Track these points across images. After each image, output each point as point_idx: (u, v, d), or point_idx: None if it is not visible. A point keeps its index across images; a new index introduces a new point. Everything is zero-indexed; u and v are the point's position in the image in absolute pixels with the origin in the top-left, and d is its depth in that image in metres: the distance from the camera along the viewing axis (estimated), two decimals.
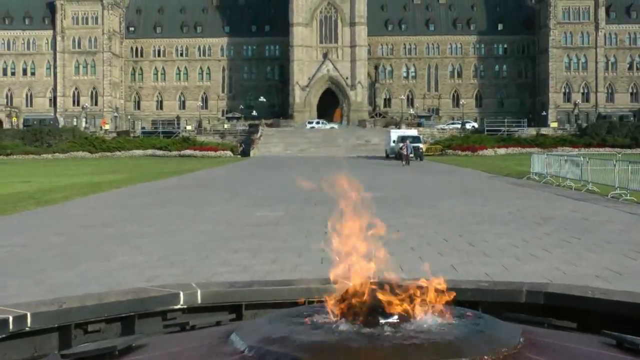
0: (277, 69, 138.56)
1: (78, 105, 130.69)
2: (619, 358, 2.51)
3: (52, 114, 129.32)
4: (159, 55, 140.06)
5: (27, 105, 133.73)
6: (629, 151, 75.04)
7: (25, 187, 33.50)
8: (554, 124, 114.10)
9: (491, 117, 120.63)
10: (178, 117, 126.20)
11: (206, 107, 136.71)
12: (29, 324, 3.08)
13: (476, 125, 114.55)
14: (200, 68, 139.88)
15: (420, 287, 2.70)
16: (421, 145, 71.24)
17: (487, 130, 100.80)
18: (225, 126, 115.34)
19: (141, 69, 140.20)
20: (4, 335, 3.00)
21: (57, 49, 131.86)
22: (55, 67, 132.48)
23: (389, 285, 2.68)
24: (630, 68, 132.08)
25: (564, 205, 23.18)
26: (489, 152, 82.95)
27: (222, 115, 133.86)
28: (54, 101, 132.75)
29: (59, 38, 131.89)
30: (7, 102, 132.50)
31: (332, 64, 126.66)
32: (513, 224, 17.87)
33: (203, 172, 50.65)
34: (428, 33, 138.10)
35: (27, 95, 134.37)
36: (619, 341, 2.59)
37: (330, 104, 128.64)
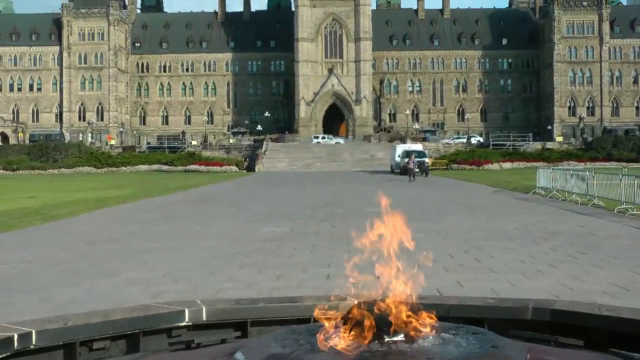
0: (282, 84, 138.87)
1: (84, 120, 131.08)
2: None
3: (58, 130, 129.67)
4: (164, 70, 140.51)
5: (33, 121, 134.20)
6: (635, 165, 74.74)
7: (30, 202, 33.55)
8: (560, 138, 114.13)
9: (496, 131, 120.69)
10: (183, 132, 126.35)
11: (212, 122, 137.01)
12: (33, 342, 3.07)
13: (481, 139, 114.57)
14: (206, 83, 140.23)
15: (424, 305, 2.69)
16: (426, 160, 71.13)
17: (493, 145, 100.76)
18: (231, 141, 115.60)
19: (147, 84, 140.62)
20: (8, 353, 2.99)
21: (64, 64, 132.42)
22: (61, 83, 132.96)
23: (395, 303, 2.67)
24: (635, 82, 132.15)
25: (570, 220, 23.11)
26: (495, 166, 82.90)
27: (228, 130, 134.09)
28: (60, 116, 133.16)
29: (65, 54, 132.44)
30: (13, 118, 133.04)
31: (337, 79, 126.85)
32: (519, 239, 17.82)
33: (208, 187, 50.67)
34: (433, 48, 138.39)
35: (33, 110, 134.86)
36: None
37: (335, 118, 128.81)
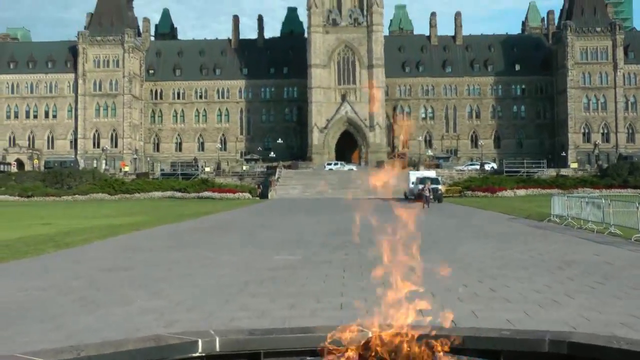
0: (295, 111, 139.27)
1: (98, 147, 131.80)
2: None
3: (73, 156, 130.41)
4: (178, 97, 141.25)
5: (48, 147, 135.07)
6: None
7: (45, 229, 33.62)
8: (574, 165, 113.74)
9: (510, 158, 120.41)
10: (196, 159, 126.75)
11: (225, 149, 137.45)
12: None
13: (495, 166, 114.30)
14: (219, 110, 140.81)
15: (439, 336, 2.67)
16: (440, 187, 70.97)
17: (506, 171, 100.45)
18: (244, 168, 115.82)
19: (161, 111, 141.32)
20: None
21: (79, 91, 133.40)
22: (76, 110, 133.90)
23: (409, 335, 2.64)
24: None
25: (586, 249, 22.93)
26: (509, 193, 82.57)
27: (241, 157, 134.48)
28: (74, 143, 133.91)
29: (80, 81, 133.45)
30: (29, 145, 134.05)
31: (350, 106, 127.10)
32: (534, 268, 17.68)
33: (221, 214, 50.67)
34: (445, 74, 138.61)
35: (48, 137, 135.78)
36: None
37: (348, 145, 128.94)
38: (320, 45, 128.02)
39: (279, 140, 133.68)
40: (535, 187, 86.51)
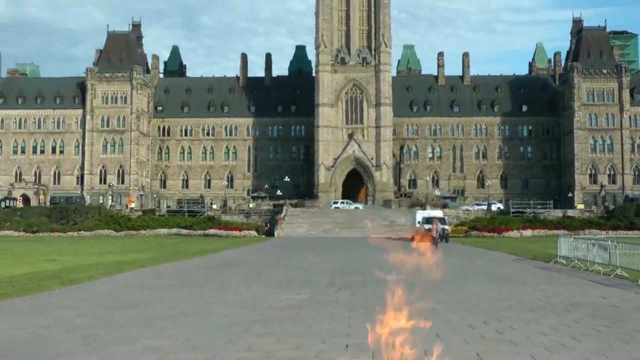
0: (302, 149, 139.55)
1: (105, 183, 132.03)
2: None
3: (79, 192, 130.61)
4: (185, 134, 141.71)
5: (54, 183, 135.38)
6: None
7: (50, 265, 33.59)
8: (581, 206, 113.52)
9: (517, 198, 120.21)
10: (203, 196, 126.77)
11: (231, 187, 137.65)
12: None
13: (501, 206, 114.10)
14: (227, 147, 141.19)
15: None
16: (446, 227, 70.81)
17: (513, 212, 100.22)
18: (250, 205, 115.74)
19: (168, 147, 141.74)
20: None
21: (86, 127, 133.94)
22: (83, 145, 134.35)
23: None
24: None
25: (592, 291, 22.80)
26: (515, 233, 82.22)
27: (247, 194, 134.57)
28: (81, 179, 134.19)
29: (88, 117, 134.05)
30: (35, 180, 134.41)
31: (358, 145, 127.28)
32: (541, 311, 17.58)
33: (227, 252, 50.57)
34: (453, 114, 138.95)
35: (55, 172, 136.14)
36: None
37: (355, 184, 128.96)
38: (329, 84, 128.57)
39: (286, 178, 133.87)
40: (541, 228, 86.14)
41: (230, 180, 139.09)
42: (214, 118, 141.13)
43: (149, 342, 13.06)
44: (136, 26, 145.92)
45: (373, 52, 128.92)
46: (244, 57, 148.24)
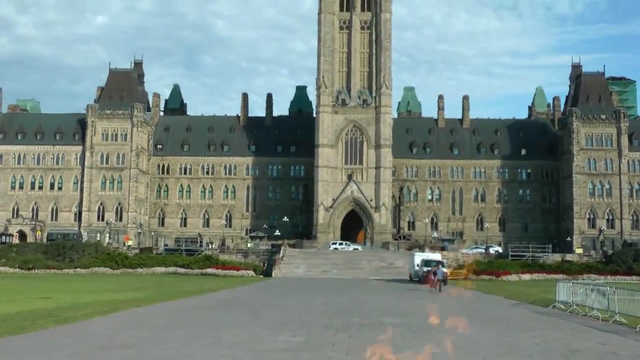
0: (301, 189, 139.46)
1: (102, 220, 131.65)
2: None
3: (76, 229, 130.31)
4: (185, 172, 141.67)
5: (52, 219, 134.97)
6: None
7: (44, 303, 33.34)
8: (579, 250, 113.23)
9: (515, 241, 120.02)
10: (201, 235, 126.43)
11: (230, 226, 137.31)
12: None
13: (500, 249, 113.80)
14: (226, 186, 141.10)
15: None
16: (445, 270, 70.53)
17: (511, 255, 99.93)
18: (249, 245, 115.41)
19: (167, 185, 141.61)
20: None
21: (86, 164, 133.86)
22: (82, 182, 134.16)
23: None
24: None
25: (591, 337, 22.61)
26: (513, 277, 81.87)
27: (246, 234, 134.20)
28: (79, 216, 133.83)
29: (87, 154, 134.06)
30: (32, 216, 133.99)
31: (357, 186, 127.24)
32: (539, 356, 17.41)
33: (224, 292, 50.30)
34: (452, 157, 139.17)
35: (52, 209, 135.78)
36: None
37: (354, 225, 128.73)
38: (329, 125, 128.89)
39: (285, 218, 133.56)
40: (540, 272, 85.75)
41: (229, 219, 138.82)
42: (214, 157, 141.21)
43: None
44: (138, 64, 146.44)
45: (374, 94, 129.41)
46: (245, 97, 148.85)
